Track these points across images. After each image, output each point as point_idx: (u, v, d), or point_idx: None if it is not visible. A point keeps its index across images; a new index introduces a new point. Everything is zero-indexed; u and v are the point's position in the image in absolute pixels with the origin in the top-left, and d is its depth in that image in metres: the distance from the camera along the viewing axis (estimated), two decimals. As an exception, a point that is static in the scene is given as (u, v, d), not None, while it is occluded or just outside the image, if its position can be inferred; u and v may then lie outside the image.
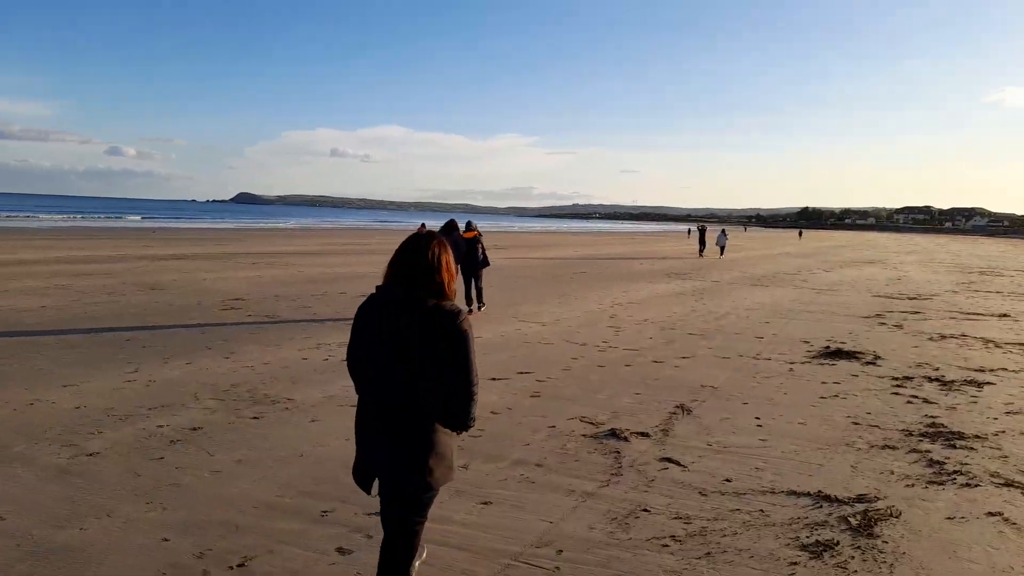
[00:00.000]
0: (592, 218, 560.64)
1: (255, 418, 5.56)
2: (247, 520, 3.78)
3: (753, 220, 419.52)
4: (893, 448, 5.34)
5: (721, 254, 35.07)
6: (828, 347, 9.68)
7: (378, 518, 2.73)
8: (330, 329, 9.84)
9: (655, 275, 22.14)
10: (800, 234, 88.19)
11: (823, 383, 7.50)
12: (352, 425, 2.65)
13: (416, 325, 2.38)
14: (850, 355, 9.12)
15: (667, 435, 5.49)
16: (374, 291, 2.54)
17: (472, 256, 12.01)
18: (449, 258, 2.54)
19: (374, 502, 4.04)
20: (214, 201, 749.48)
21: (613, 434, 5.43)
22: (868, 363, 8.68)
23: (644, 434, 5.48)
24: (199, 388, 6.40)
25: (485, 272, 12.48)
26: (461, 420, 2.44)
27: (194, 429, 5.25)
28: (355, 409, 2.61)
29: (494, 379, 7.13)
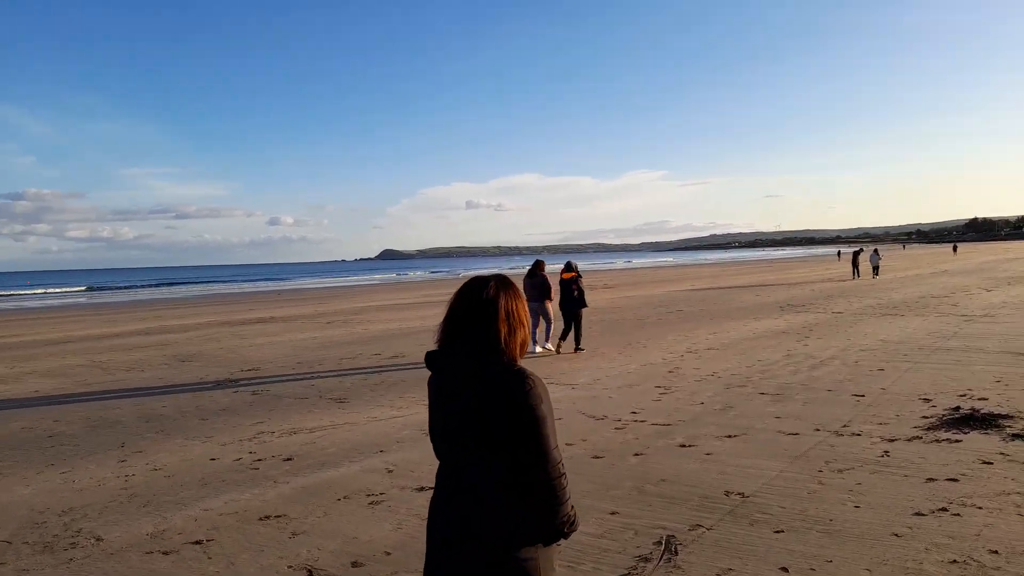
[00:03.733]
0: (732, 247, 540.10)
1: (3, 581, 3.87)
2: None
3: (913, 236, 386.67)
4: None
5: (875, 275, 33.01)
6: (958, 408, 6.78)
7: None
8: (304, 408, 8.18)
9: (766, 308, 19.02)
10: (955, 248, 77.95)
11: (929, 480, 4.81)
12: None
13: (471, 396, 1.83)
14: (988, 421, 6.22)
15: (597, 618, 3.21)
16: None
17: (568, 297, 12.10)
18: (514, 304, 1.95)
19: None
20: (361, 260, 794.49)
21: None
22: (1015, 436, 5.79)
23: (559, 615, 3.23)
24: (14, 520, 4.84)
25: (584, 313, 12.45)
26: (549, 524, 1.81)
27: None
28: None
29: (422, 488, 5.08)
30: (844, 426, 6.37)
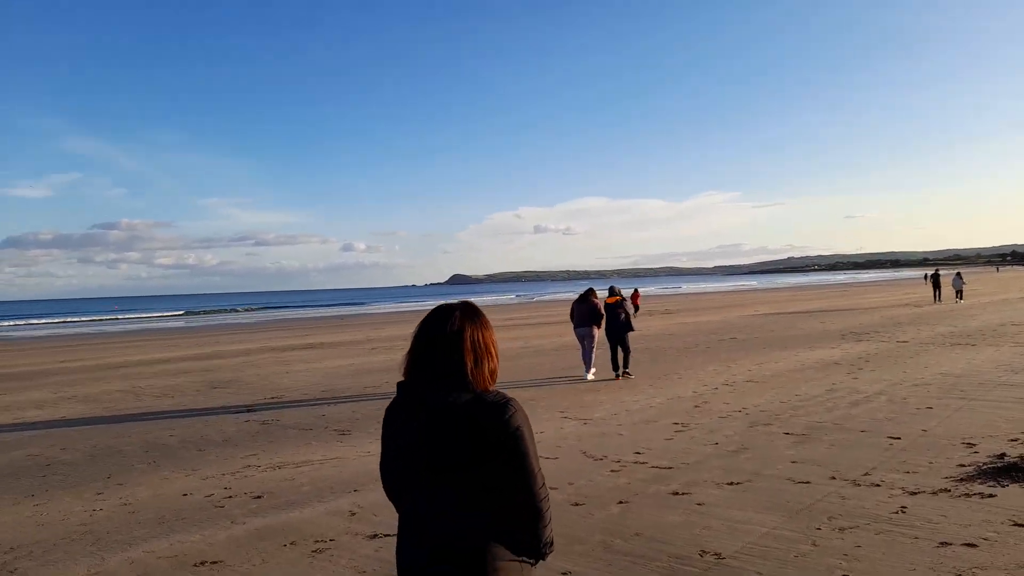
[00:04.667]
0: (811, 270, 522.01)
1: (-93, 627, 3.73)
2: None
3: (1008, 258, 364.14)
4: None
5: (959, 299, 31.26)
6: (1003, 455, 5.99)
7: None
8: (303, 440, 7.99)
9: (825, 336, 17.94)
10: None
11: (942, 544, 4.15)
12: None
13: (448, 428, 1.78)
14: (1036, 473, 5.43)
15: None
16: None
17: (614, 321, 12.03)
18: (480, 334, 1.90)
19: None
20: (431, 285, 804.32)
21: None
22: (1064, 492, 5.01)
23: None
24: (-35, 554, 4.76)
25: (631, 337, 12.34)
26: (530, 547, 1.83)
27: None
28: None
29: (374, 536, 4.73)
30: (865, 474, 5.69)
